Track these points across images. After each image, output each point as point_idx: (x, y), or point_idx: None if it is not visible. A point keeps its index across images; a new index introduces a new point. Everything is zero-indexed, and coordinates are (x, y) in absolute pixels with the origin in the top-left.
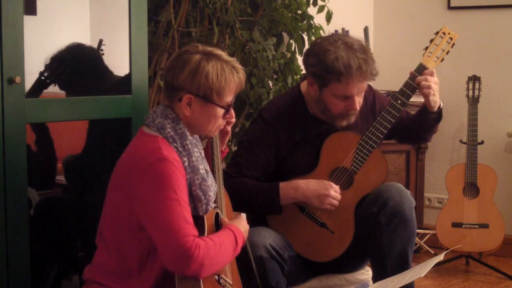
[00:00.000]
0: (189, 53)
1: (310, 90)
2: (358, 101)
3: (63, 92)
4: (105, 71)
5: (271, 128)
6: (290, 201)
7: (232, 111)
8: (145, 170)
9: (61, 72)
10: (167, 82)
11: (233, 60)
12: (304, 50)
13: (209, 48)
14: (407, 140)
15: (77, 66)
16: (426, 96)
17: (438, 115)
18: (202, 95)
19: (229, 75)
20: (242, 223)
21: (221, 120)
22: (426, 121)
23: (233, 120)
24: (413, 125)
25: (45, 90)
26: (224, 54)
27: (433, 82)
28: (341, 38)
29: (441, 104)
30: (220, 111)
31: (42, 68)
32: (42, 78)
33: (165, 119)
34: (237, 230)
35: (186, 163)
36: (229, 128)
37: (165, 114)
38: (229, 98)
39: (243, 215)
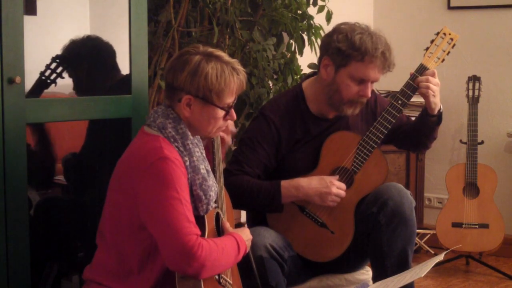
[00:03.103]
0: (190, 54)
1: (323, 74)
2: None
3: (63, 92)
4: (115, 69)
5: (272, 125)
6: (292, 199)
7: (233, 113)
8: (147, 169)
9: (64, 67)
10: (167, 83)
11: (234, 62)
12: (326, 33)
13: (210, 49)
14: (406, 146)
15: (92, 57)
16: (427, 97)
17: (438, 118)
18: (201, 96)
19: (229, 76)
20: (245, 233)
21: (222, 122)
22: (426, 124)
23: (234, 130)
24: (413, 130)
25: (45, 90)
26: (225, 55)
27: (434, 83)
28: (367, 27)
29: (441, 107)
30: (220, 113)
31: (42, 68)
32: (43, 78)
33: (166, 119)
34: (240, 239)
35: (187, 163)
36: (229, 138)
37: (166, 114)
38: (230, 99)
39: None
